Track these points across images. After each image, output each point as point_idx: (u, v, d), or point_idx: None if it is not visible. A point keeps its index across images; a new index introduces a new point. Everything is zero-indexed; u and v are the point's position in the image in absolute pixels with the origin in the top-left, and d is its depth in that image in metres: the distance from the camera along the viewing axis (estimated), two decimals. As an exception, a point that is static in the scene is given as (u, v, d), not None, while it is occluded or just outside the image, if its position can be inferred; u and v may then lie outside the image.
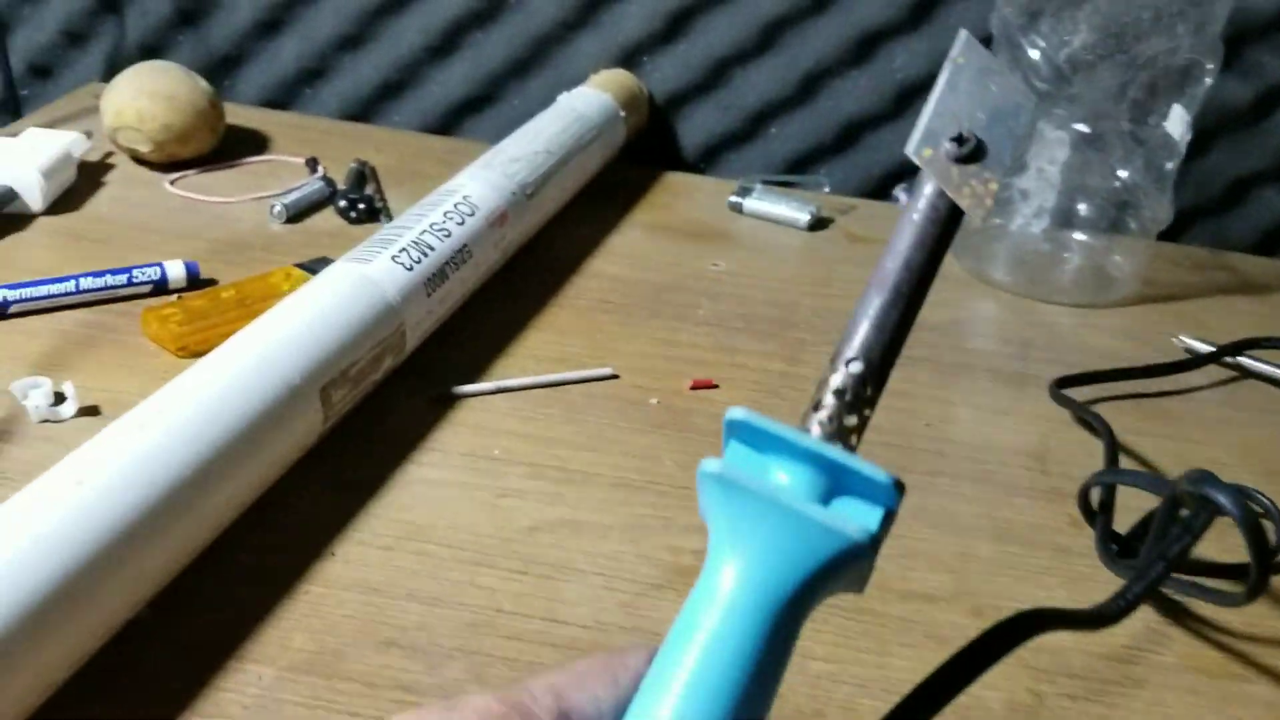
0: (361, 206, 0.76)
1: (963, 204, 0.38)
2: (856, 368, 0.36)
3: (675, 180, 0.90)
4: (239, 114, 0.90)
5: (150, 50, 0.97)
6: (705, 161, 0.95)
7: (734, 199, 0.84)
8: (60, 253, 0.69)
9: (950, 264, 0.80)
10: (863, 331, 0.37)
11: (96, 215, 0.74)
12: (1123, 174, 0.75)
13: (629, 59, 0.92)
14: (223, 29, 0.95)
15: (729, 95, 0.92)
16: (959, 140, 0.39)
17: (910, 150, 0.40)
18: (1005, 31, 0.74)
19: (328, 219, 0.77)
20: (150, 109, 0.78)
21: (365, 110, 0.97)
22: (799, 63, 0.90)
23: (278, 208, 0.75)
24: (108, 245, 0.70)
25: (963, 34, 0.43)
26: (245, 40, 0.96)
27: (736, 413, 0.34)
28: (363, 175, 0.82)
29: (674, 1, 0.89)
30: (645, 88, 0.92)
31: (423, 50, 0.94)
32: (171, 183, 0.79)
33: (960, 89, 0.41)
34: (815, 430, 0.36)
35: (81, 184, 0.77)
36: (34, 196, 0.72)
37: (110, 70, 0.98)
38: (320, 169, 0.83)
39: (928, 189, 0.39)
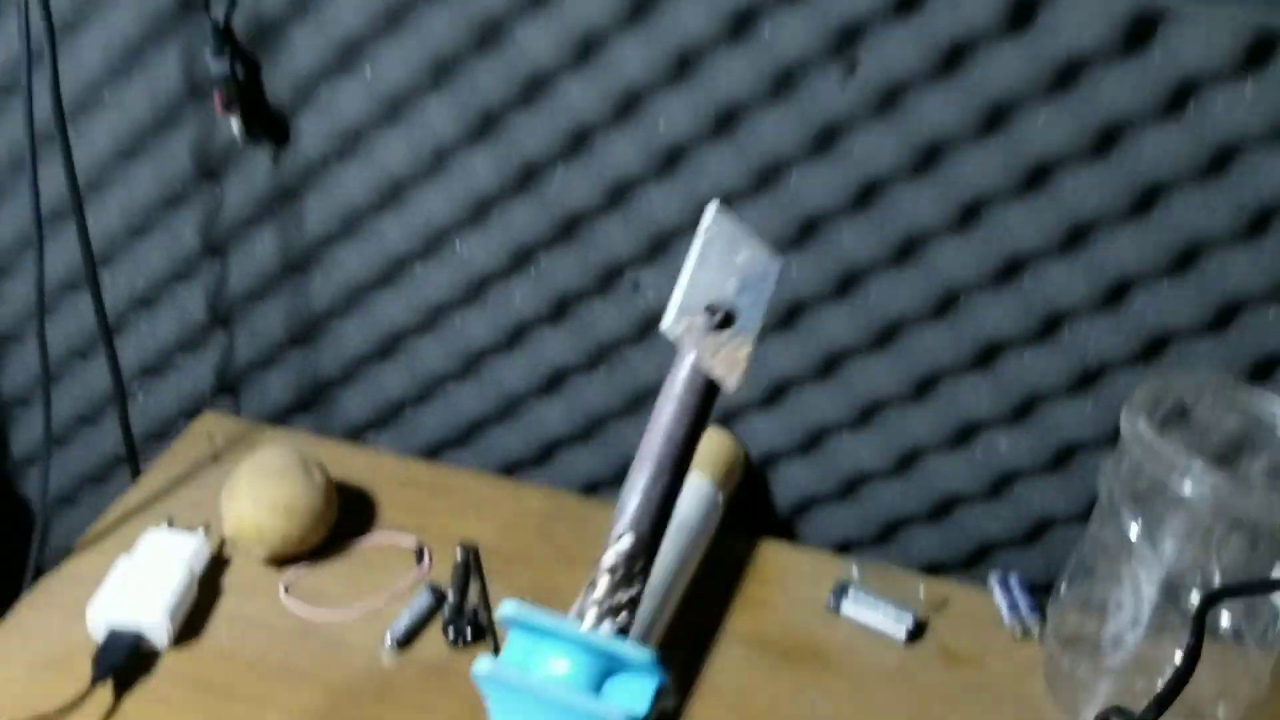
0: (468, 628, 0.79)
1: (716, 372, 0.40)
2: (626, 542, 0.38)
3: (769, 558, 0.91)
4: (345, 461, 0.93)
5: (257, 365, 0.99)
6: (798, 517, 0.96)
7: (831, 600, 0.86)
8: (189, 712, 0.72)
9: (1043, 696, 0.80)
10: (631, 506, 0.38)
11: (217, 648, 0.77)
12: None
13: (726, 419, 0.93)
14: (329, 353, 0.97)
15: (825, 459, 0.93)
16: (711, 311, 0.41)
17: (665, 326, 0.42)
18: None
19: (436, 644, 0.79)
20: (270, 523, 0.80)
21: (466, 436, 0.99)
22: (897, 439, 0.90)
23: (389, 643, 0.78)
24: (231, 697, 0.73)
25: (713, 206, 0.45)
26: (351, 365, 0.98)
27: (509, 608, 0.34)
28: (468, 568, 0.84)
29: (775, 370, 0.89)
30: (743, 448, 0.93)
31: (525, 389, 0.95)
32: (286, 590, 0.82)
33: (711, 261, 0.42)
34: (590, 610, 0.36)
35: (202, 594, 0.80)
36: (161, 637, 0.75)
37: (220, 382, 1.01)
38: (426, 559, 0.85)
39: (686, 362, 0.40)
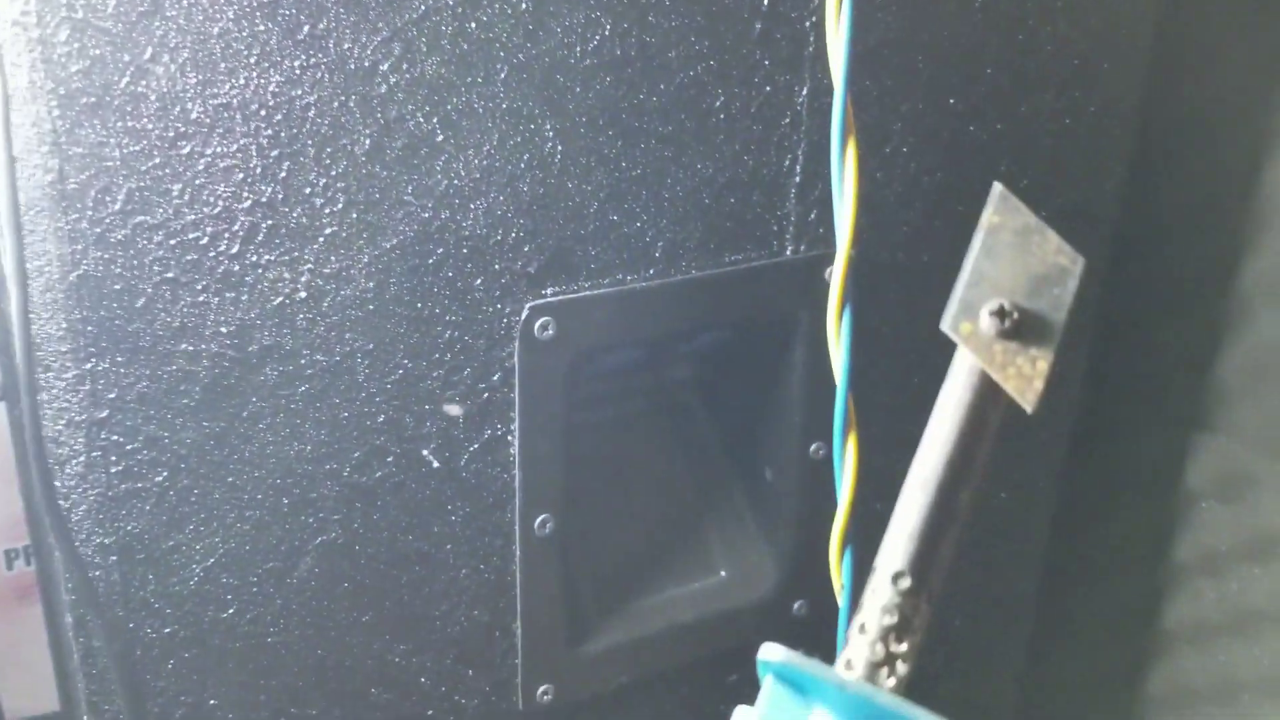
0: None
1: (1008, 386, 0.33)
2: (905, 584, 0.31)
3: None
4: None
5: None
6: None
7: None
8: None
9: None
10: (906, 540, 0.32)
11: None
12: None
13: None
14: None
15: None
16: (1000, 314, 0.34)
17: (946, 325, 0.34)
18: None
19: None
20: None
21: None
22: None
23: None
24: None
25: (997, 189, 0.37)
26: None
27: (773, 652, 0.29)
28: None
29: None
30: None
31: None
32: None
33: (997, 253, 0.35)
34: (860, 661, 0.31)
35: None
36: None
37: None
38: None
39: (967, 369, 0.34)
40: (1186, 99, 0.85)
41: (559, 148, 0.58)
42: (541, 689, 0.70)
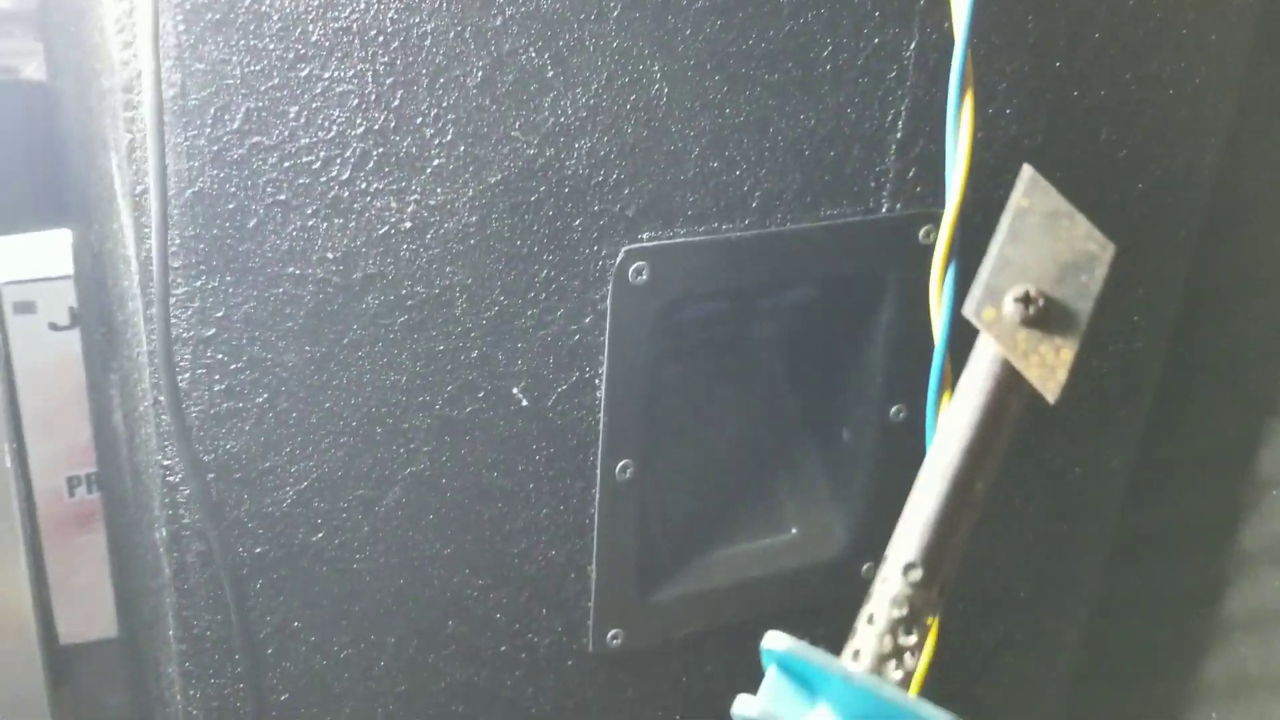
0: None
1: (1031, 375, 0.32)
2: (916, 575, 0.30)
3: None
4: None
5: None
6: None
7: None
8: None
9: None
10: (920, 530, 0.31)
11: None
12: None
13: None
14: None
15: None
16: (1025, 300, 0.33)
17: (969, 311, 0.34)
18: None
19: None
20: None
21: None
22: None
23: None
24: None
25: (1027, 171, 0.37)
26: None
27: (777, 641, 0.28)
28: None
29: None
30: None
31: None
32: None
33: (1025, 238, 0.34)
34: (868, 652, 0.30)
35: None
36: None
37: None
38: None
39: (989, 356, 0.33)
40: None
41: (665, 90, 0.58)
42: (611, 633, 0.70)
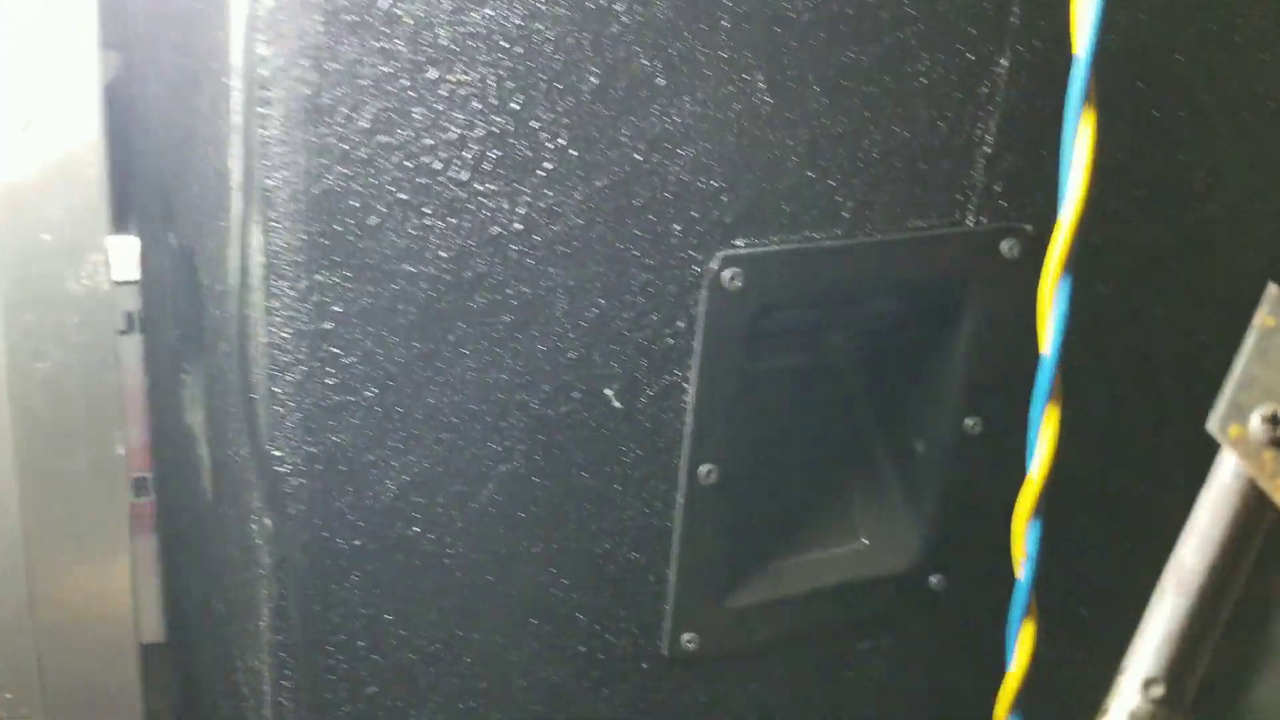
0: None
1: (1276, 497, 0.32)
2: (1158, 691, 0.30)
3: None
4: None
5: None
6: None
7: None
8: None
9: None
10: (1160, 643, 0.32)
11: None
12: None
13: None
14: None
15: None
16: (1273, 420, 0.32)
17: (1213, 426, 0.34)
18: None
19: None
20: None
21: None
22: None
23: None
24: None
25: (1272, 290, 0.37)
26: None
27: None
28: None
29: None
30: None
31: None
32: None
33: (1271, 357, 0.34)
34: None
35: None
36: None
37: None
38: None
39: (1232, 473, 0.33)
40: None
41: (768, 100, 0.59)
42: (687, 637, 0.71)
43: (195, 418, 0.82)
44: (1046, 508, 0.58)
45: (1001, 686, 0.61)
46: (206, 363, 0.75)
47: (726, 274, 0.62)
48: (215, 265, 0.65)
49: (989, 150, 0.65)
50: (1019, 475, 0.57)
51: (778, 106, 0.59)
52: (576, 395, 0.62)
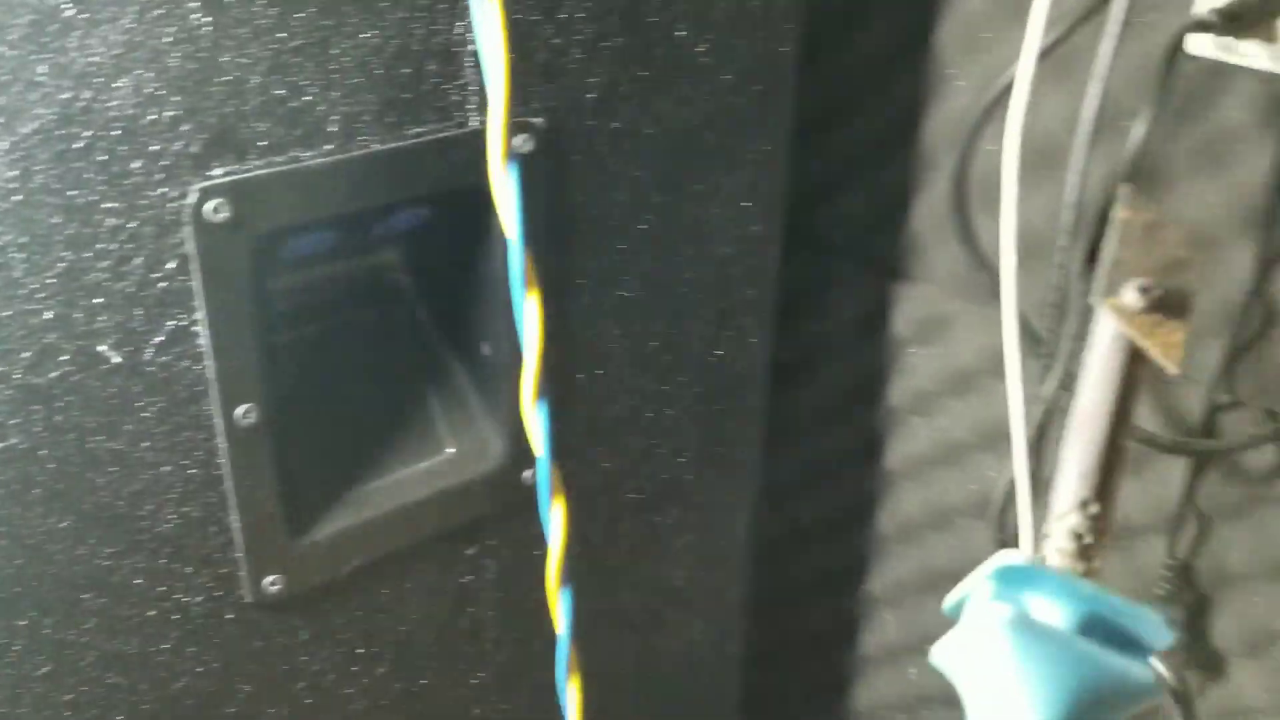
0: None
1: (1154, 354, 0.38)
2: (1095, 509, 0.36)
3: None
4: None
5: None
6: None
7: None
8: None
9: None
10: (1084, 471, 0.37)
11: None
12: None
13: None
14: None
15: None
16: (1144, 291, 0.39)
17: (1094, 299, 0.40)
18: None
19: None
20: None
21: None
22: None
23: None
24: None
25: (1124, 187, 0.43)
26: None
27: (1011, 558, 0.33)
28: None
29: None
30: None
31: None
32: None
33: (1132, 242, 0.40)
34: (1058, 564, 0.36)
35: None
36: None
37: None
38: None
39: (1113, 335, 0.39)
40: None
41: (206, 19, 0.56)
42: (269, 579, 0.70)
43: None
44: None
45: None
46: None
47: (209, 206, 0.59)
48: None
49: (473, 48, 0.65)
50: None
51: (220, 25, 0.57)
52: (66, 357, 0.58)
